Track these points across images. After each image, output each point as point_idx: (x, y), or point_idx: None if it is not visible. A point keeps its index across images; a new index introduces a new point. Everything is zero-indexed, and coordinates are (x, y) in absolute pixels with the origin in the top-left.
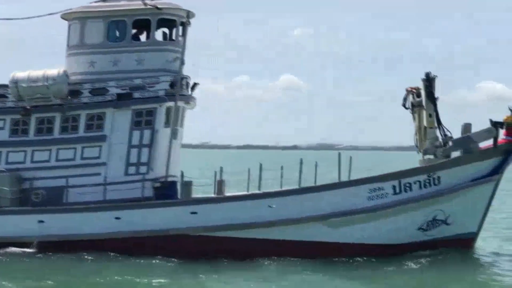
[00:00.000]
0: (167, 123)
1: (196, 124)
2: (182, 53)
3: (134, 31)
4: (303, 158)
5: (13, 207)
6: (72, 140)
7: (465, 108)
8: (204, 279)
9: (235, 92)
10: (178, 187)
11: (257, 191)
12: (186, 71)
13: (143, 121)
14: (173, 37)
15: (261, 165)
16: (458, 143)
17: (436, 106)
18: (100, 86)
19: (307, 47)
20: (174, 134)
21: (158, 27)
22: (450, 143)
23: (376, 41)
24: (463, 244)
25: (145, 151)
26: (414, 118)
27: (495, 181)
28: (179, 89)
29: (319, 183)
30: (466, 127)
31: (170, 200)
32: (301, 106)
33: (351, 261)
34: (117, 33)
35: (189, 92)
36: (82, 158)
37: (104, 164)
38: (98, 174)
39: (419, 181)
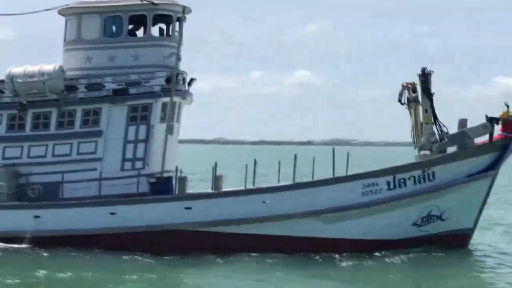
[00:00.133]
0: (163, 119)
1: (210, 120)
2: (178, 48)
3: (130, 26)
4: (316, 154)
5: (8, 202)
6: (68, 136)
7: (480, 103)
8: (182, 276)
9: (249, 87)
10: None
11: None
12: (186, 67)
13: (139, 116)
14: (170, 33)
15: (255, 160)
16: (453, 139)
17: (432, 101)
18: (96, 82)
19: (321, 43)
20: (170, 130)
21: (154, 22)
22: (446, 139)
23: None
24: (458, 240)
25: (140, 146)
26: (410, 114)
27: (492, 176)
28: (174, 85)
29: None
30: (462, 122)
31: (165, 196)
32: (315, 102)
33: (334, 256)
34: (114, 29)
35: (186, 87)
36: (78, 153)
37: (100, 159)
38: (94, 169)
39: (414, 177)
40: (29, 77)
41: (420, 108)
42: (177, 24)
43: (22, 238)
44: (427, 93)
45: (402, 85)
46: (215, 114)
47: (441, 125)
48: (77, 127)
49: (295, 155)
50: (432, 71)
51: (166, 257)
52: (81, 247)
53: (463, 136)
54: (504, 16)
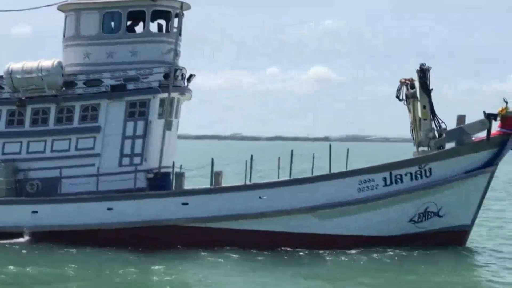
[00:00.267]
0: (161, 115)
1: (227, 116)
2: (176, 44)
3: (129, 22)
4: (333, 149)
5: (7, 197)
6: (67, 131)
7: (497, 99)
8: (167, 270)
9: (266, 84)
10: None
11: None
12: (185, 63)
13: (137, 112)
14: (169, 29)
15: (251, 156)
16: (451, 135)
17: (431, 97)
18: (95, 78)
19: (338, 38)
20: (168, 125)
21: (153, 18)
22: (444, 135)
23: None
24: (456, 237)
25: (138, 142)
26: (409, 110)
27: (490, 173)
28: (172, 81)
29: None
30: (460, 118)
31: (162, 191)
32: (332, 97)
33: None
34: (112, 25)
35: (185, 83)
36: (77, 149)
37: (98, 155)
38: (93, 165)
39: (410, 173)
40: (28, 73)
41: (419, 104)
42: (175, 20)
43: (20, 233)
44: (426, 89)
45: (400, 81)
46: (231, 111)
47: (440, 121)
48: (75, 123)
49: (292, 151)
50: (431, 67)
51: (156, 252)
52: (78, 242)
53: (461, 132)
54: None
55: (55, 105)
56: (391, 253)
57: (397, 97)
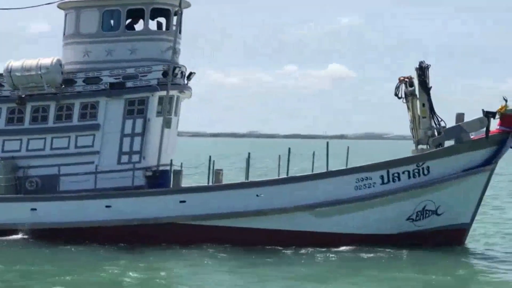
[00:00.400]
0: (160, 112)
1: (244, 113)
2: (175, 42)
3: (128, 20)
4: (350, 147)
5: (6, 195)
6: (66, 129)
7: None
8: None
9: (283, 81)
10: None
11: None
12: (185, 61)
13: (136, 110)
14: (168, 27)
15: (249, 154)
16: (449, 133)
17: (430, 95)
18: (94, 75)
19: (354, 36)
20: (167, 123)
21: (153, 16)
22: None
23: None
24: (454, 235)
25: (137, 140)
26: (408, 108)
27: (489, 171)
28: (171, 78)
29: None
30: (459, 116)
31: (159, 189)
32: (349, 95)
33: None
34: (112, 23)
35: (185, 81)
36: (76, 146)
37: (97, 152)
38: (92, 162)
39: (408, 171)
40: (27, 70)
41: (418, 102)
42: (174, 18)
43: (19, 231)
44: (424, 87)
45: (399, 79)
46: (248, 108)
47: (439, 119)
48: (75, 121)
49: (289, 149)
50: (430, 65)
51: (145, 249)
52: (76, 239)
53: (459, 130)
54: None
55: (55, 103)
56: (386, 251)
57: (396, 95)
